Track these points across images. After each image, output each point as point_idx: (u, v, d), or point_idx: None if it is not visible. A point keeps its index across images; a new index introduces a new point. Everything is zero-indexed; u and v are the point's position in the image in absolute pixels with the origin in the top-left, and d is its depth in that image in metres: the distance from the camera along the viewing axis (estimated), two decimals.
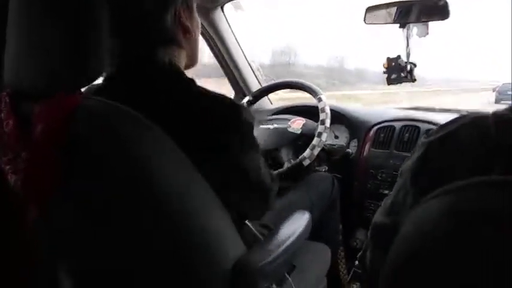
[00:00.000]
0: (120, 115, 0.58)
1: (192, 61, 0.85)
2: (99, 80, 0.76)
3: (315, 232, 1.18)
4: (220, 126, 0.72)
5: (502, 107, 0.48)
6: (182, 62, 0.80)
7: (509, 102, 2.07)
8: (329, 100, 1.39)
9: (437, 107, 1.98)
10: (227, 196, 0.72)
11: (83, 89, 0.70)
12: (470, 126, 0.47)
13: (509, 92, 7.74)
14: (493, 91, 10.46)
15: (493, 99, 9.79)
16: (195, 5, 0.83)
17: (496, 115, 0.46)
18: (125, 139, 0.57)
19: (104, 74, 0.76)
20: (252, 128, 0.78)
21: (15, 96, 0.60)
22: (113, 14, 0.67)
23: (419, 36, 1.12)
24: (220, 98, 0.74)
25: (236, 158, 0.74)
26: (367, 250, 0.61)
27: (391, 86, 1.25)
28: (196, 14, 0.83)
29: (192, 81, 0.75)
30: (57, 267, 0.69)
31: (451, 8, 1.02)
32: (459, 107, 1.85)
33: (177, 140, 0.62)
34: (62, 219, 0.63)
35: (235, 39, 1.75)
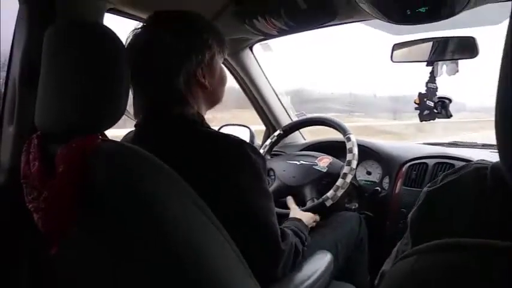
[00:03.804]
0: (134, 157, 0.60)
1: (214, 103, 0.90)
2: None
3: (342, 272, 1.13)
4: (229, 165, 0.75)
5: None
6: (195, 111, 0.84)
7: None
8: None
9: (478, 141, 1.76)
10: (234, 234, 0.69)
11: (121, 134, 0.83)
12: (471, 176, 0.45)
13: None
14: None
15: None
16: (220, 60, 0.88)
17: (494, 164, 0.43)
18: (138, 179, 0.59)
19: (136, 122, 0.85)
20: (261, 168, 0.79)
21: (43, 138, 0.66)
22: (136, 73, 0.75)
23: (449, 75, 1.10)
24: (228, 139, 0.78)
25: (245, 196, 0.76)
26: None
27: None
28: (219, 67, 0.88)
29: (198, 124, 0.81)
30: None
31: (479, 45, 1.01)
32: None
33: (189, 181, 0.63)
34: (78, 255, 0.66)
35: (265, 76, 1.78)
